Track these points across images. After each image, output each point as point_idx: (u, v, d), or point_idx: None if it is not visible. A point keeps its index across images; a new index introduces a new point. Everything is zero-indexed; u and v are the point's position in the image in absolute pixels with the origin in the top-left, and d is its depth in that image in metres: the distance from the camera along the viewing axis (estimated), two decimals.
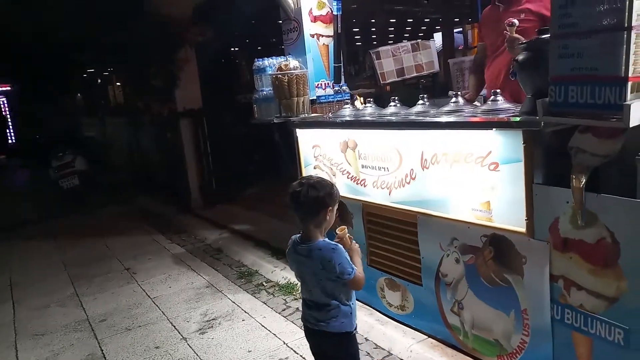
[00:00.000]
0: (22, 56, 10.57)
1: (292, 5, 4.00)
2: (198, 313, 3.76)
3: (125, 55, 7.80)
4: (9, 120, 19.04)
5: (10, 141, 19.08)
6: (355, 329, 2.16)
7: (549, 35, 1.93)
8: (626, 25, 1.64)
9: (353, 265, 2.07)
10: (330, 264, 2.02)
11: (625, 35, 1.65)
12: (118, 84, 12.10)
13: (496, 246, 2.40)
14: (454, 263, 2.65)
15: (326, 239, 2.11)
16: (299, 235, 2.14)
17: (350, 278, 2.04)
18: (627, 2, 1.62)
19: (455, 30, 10.54)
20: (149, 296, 4.19)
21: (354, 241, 2.18)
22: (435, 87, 5.69)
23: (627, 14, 1.63)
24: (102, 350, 3.37)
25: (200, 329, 3.50)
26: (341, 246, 2.08)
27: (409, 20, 12.63)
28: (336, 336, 2.10)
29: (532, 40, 2.16)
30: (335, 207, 2.14)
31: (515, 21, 2.84)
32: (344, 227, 2.18)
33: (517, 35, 2.90)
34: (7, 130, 19.05)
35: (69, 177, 8.34)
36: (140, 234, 6.18)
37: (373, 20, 11.08)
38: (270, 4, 4.35)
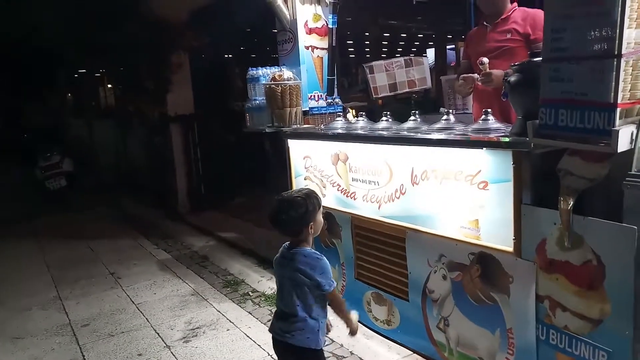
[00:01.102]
0: (12, 53, 10.46)
1: (288, 16, 4.03)
2: (182, 321, 3.72)
3: (117, 57, 7.78)
4: None
5: None
6: (322, 348, 2.14)
7: (540, 58, 1.97)
8: (616, 52, 1.68)
9: (334, 281, 2.09)
10: (312, 271, 2.04)
11: (615, 63, 1.69)
12: (109, 85, 12.05)
13: (483, 264, 2.41)
14: (441, 280, 2.67)
15: (313, 249, 2.13)
16: (289, 242, 2.18)
17: (329, 291, 2.06)
18: (618, 31, 1.66)
19: (447, 47, 10.66)
20: (133, 302, 4.15)
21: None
22: (427, 103, 5.74)
23: (617, 41, 1.67)
24: (83, 356, 3.32)
25: (184, 337, 3.47)
26: (325, 257, 2.10)
27: (402, 35, 12.75)
28: (300, 350, 2.09)
29: (524, 62, 2.20)
30: (319, 215, 2.15)
31: (485, 59, 2.99)
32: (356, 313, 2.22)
33: (491, 71, 2.99)
34: None
35: (56, 178, 8.26)
36: (125, 238, 6.13)
37: (367, 34, 11.16)
38: (265, 14, 4.38)
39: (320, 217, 2.17)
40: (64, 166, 8.44)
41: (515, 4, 3.27)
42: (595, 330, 1.98)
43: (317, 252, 2.11)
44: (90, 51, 8.69)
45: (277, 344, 2.19)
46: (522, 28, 3.17)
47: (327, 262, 2.10)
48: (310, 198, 2.12)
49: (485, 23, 3.38)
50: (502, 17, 3.26)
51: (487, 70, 3.01)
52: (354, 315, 2.19)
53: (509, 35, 3.21)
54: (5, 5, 7.29)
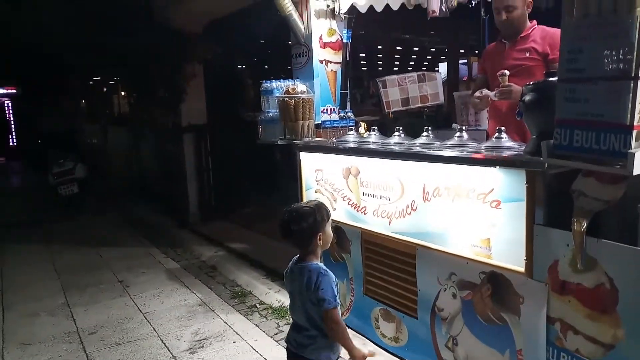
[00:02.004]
0: (30, 60, 10.64)
1: (303, 30, 4.06)
2: (189, 332, 3.72)
3: (133, 66, 7.87)
4: (12, 123, 19.07)
5: (11, 144, 19.08)
6: None
7: (556, 78, 1.96)
8: (633, 74, 1.66)
9: (338, 299, 2.04)
10: (314, 286, 2.02)
11: (632, 84, 1.67)
12: (123, 93, 12.18)
13: (494, 284, 2.39)
14: (450, 298, 2.64)
15: (320, 264, 2.12)
16: (297, 255, 2.18)
17: (328, 308, 2.00)
18: (635, 52, 1.65)
19: (460, 62, 10.66)
20: (140, 311, 4.15)
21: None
22: (439, 118, 5.73)
23: (634, 63, 1.65)
24: None
25: (190, 348, 3.46)
26: (331, 274, 2.08)
27: (415, 49, 12.78)
28: None
29: (540, 82, 2.19)
30: (327, 226, 2.14)
31: (507, 72, 2.97)
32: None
33: (511, 84, 3.00)
34: (10, 133, 19.06)
35: (68, 185, 8.33)
36: (135, 246, 6.15)
37: (380, 47, 11.22)
38: (280, 26, 4.41)
39: (329, 229, 2.16)
40: (76, 173, 8.51)
41: (535, 21, 3.24)
42: (607, 355, 1.94)
43: (324, 268, 2.09)
44: (105, 59, 8.82)
45: (292, 356, 2.18)
46: (541, 47, 3.15)
47: (332, 278, 2.07)
48: (319, 209, 2.12)
49: (503, 40, 3.36)
50: (522, 35, 3.23)
51: (506, 83, 3.00)
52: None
53: (527, 54, 3.18)
54: (25, 13, 7.42)
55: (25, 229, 7.28)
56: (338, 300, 2.04)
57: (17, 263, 5.65)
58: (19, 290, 4.76)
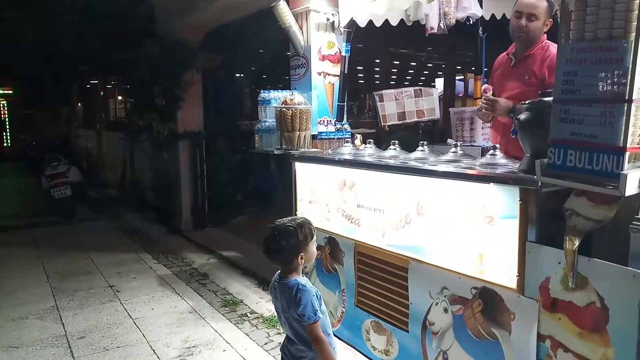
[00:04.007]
0: (27, 62, 10.64)
1: (303, 42, 4.10)
2: (179, 339, 3.70)
3: (130, 72, 7.87)
4: (7, 124, 19.00)
5: (5, 144, 19.00)
6: None
7: (551, 98, 1.99)
8: (627, 97, 1.70)
9: (318, 314, 2.04)
10: (294, 303, 2.04)
11: (625, 107, 1.71)
12: (120, 98, 12.17)
13: (485, 299, 2.40)
14: (442, 312, 2.65)
15: (299, 279, 2.11)
16: (279, 271, 2.19)
17: (309, 323, 2.01)
18: (630, 76, 1.69)
19: (456, 78, 10.77)
20: (130, 316, 4.12)
21: None
22: (435, 133, 5.78)
23: (628, 87, 1.70)
24: None
25: (179, 356, 3.44)
26: (310, 288, 2.08)
27: (412, 63, 12.90)
28: None
29: (535, 102, 2.22)
30: (311, 245, 2.15)
31: (489, 88, 3.03)
32: None
33: (497, 98, 3.03)
34: (4, 134, 18.99)
35: (61, 187, 8.28)
36: (126, 251, 6.12)
37: (378, 61, 11.31)
38: (279, 37, 4.45)
39: (312, 247, 2.16)
40: (70, 176, 8.46)
41: (545, 36, 3.07)
42: None
43: (302, 283, 2.09)
44: (105, 65, 8.82)
45: None
46: (539, 70, 3.03)
47: (311, 292, 2.07)
48: (302, 228, 2.12)
49: (510, 56, 3.22)
50: (526, 53, 3.08)
51: (491, 97, 3.02)
52: None
53: (527, 77, 3.07)
54: (25, 15, 7.43)
55: (16, 232, 7.22)
56: (319, 314, 2.04)
57: (6, 266, 5.59)
58: (8, 294, 4.71)
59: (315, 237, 2.19)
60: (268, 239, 2.12)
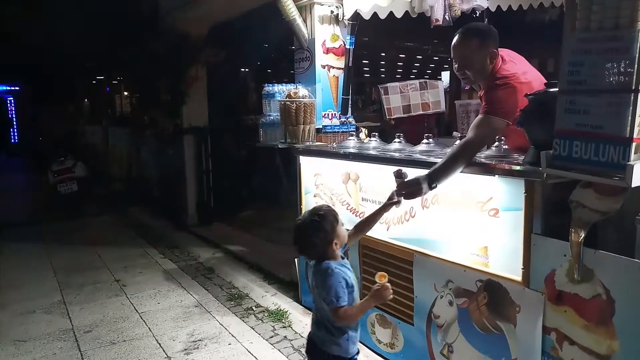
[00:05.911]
0: (34, 58, 10.68)
1: (307, 35, 4.08)
2: (185, 332, 3.71)
3: (136, 68, 7.89)
4: (14, 120, 19.11)
5: (12, 141, 19.11)
6: (353, 357, 2.15)
7: (556, 88, 1.97)
8: (634, 87, 1.68)
9: (343, 298, 2.04)
10: (322, 285, 2.07)
11: (632, 97, 1.69)
12: (126, 94, 12.20)
13: (491, 292, 2.39)
14: (447, 305, 2.64)
15: (332, 262, 2.11)
16: None
17: (331, 307, 2.02)
18: (636, 66, 1.66)
19: None
20: (136, 310, 4.15)
21: (384, 287, 2.05)
22: (440, 126, 5.75)
23: (635, 77, 1.67)
24: None
25: (185, 349, 3.45)
26: (339, 272, 2.08)
27: (418, 57, 12.80)
28: (328, 357, 2.12)
29: (540, 93, 2.20)
30: (339, 228, 2.15)
31: (405, 172, 2.48)
32: (384, 275, 2.08)
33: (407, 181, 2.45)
34: (11, 130, 19.10)
35: (68, 183, 8.33)
36: (133, 246, 6.15)
37: (382, 54, 11.24)
38: (283, 30, 4.43)
39: (341, 230, 2.17)
40: (76, 171, 8.51)
41: (498, 61, 2.68)
42: None
43: (332, 267, 2.09)
44: (110, 61, 8.85)
45: (310, 347, 2.23)
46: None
47: (338, 278, 2.07)
48: (326, 218, 2.12)
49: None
50: (483, 89, 2.74)
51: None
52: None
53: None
54: (32, 12, 7.45)
55: (24, 227, 7.26)
56: (341, 302, 2.02)
57: (14, 261, 5.64)
58: (15, 288, 4.75)
59: (340, 219, 2.18)
60: (297, 239, 2.15)
